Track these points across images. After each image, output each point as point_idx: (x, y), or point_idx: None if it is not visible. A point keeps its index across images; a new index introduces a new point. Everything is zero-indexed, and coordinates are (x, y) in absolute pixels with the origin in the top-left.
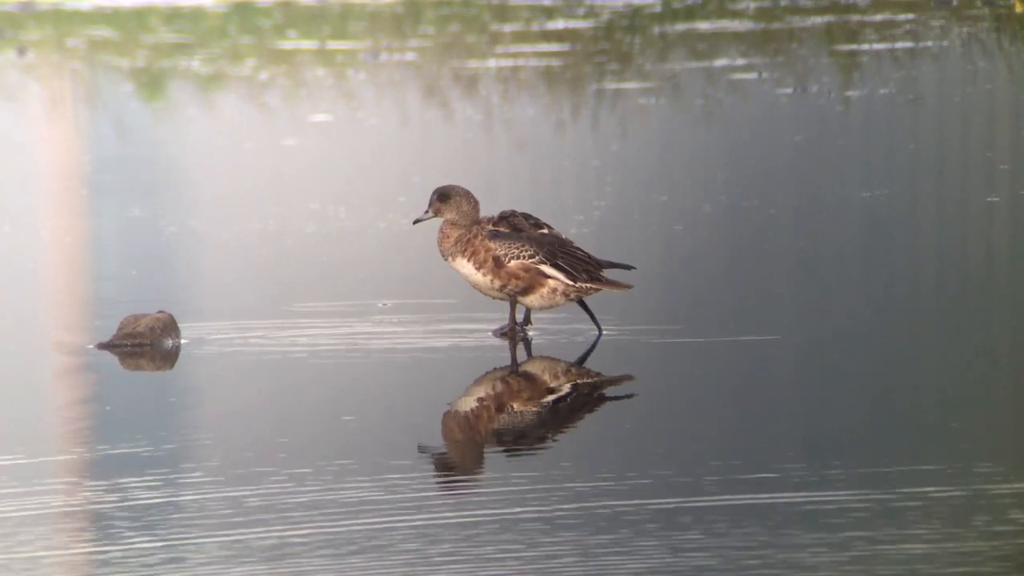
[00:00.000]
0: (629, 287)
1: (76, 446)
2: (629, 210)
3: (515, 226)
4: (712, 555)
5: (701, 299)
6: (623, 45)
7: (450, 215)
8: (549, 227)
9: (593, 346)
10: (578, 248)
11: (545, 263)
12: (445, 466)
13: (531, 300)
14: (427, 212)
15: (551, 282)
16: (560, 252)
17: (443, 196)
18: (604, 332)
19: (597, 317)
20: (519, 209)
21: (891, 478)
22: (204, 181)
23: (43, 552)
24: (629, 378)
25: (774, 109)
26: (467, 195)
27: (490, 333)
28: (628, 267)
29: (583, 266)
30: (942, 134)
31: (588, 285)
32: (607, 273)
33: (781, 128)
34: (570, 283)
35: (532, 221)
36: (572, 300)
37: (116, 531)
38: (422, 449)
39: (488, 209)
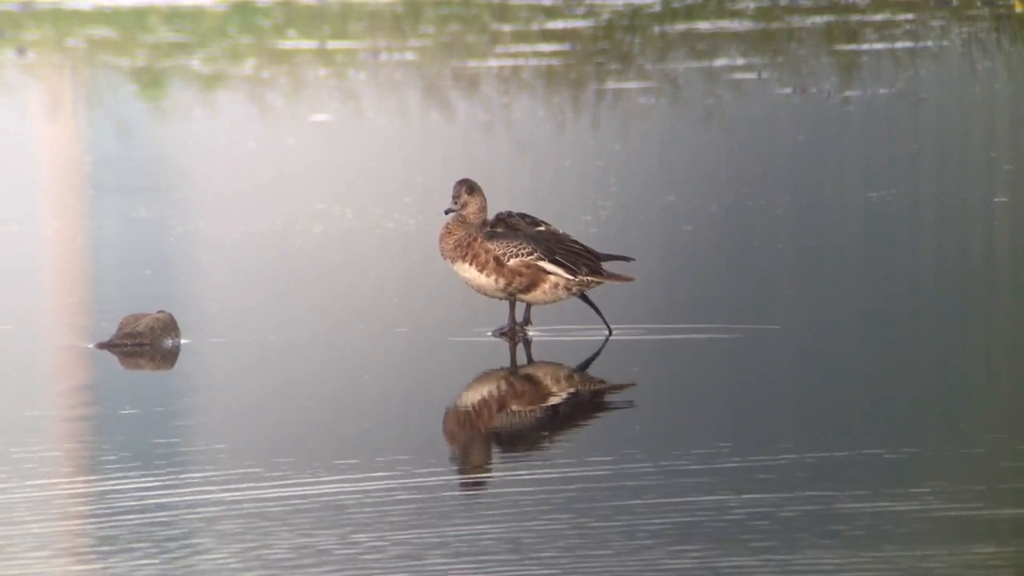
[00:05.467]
0: (630, 279)
1: (75, 445)
2: (637, 210)
3: (512, 226)
4: (719, 554)
5: (710, 298)
6: (623, 45)
7: (472, 207)
8: (546, 223)
9: (602, 348)
10: (575, 242)
11: (544, 259)
12: (451, 465)
13: (535, 296)
14: (456, 203)
15: (552, 278)
16: (558, 247)
17: (471, 188)
18: (613, 331)
19: (605, 316)
20: (517, 209)
21: (893, 476)
22: (206, 181)
23: (42, 552)
24: (632, 385)
25: (774, 109)
26: (483, 191)
27: (490, 333)
28: (628, 259)
29: (582, 260)
30: (944, 134)
31: (589, 278)
32: (607, 266)
33: (782, 128)
34: (571, 278)
35: (528, 220)
36: (575, 294)
37: (115, 531)
38: (452, 459)
39: (491, 209)
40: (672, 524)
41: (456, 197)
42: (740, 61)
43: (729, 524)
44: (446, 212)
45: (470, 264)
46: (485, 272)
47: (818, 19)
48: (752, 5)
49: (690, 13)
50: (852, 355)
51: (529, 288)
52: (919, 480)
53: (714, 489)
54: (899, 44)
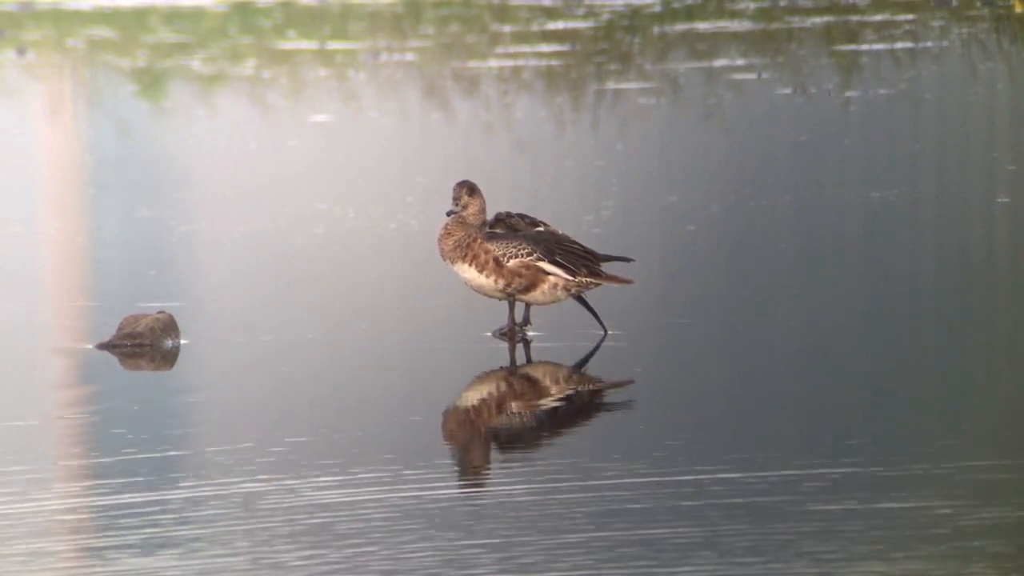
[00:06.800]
0: (630, 281)
1: (75, 445)
2: (638, 210)
3: (511, 226)
4: (719, 555)
5: (710, 298)
6: (623, 45)
7: (472, 208)
8: (545, 224)
9: (598, 346)
10: (575, 243)
11: (544, 260)
12: (451, 465)
13: (534, 297)
14: (457, 205)
15: (551, 278)
16: (558, 248)
17: (472, 189)
18: (609, 332)
19: (600, 317)
20: (517, 209)
21: (893, 477)
22: (207, 182)
23: (42, 553)
24: (630, 382)
25: (774, 109)
26: (482, 193)
27: (490, 333)
28: (627, 259)
29: (582, 261)
30: (944, 135)
31: (588, 279)
32: (607, 267)
33: (783, 128)
34: (570, 279)
35: (528, 220)
36: (574, 295)
37: (116, 531)
38: (440, 451)
39: (491, 210)
40: (679, 535)
41: (457, 199)
42: (740, 61)
43: (739, 534)
44: (448, 214)
45: (470, 265)
46: (485, 273)
47: (818, 19)
48: (752, 5)
49: (690, 13)
50: (852, 355)
51: (528, 289)
52: (920, 482)
53: (719, 495)
54: (899, 45)
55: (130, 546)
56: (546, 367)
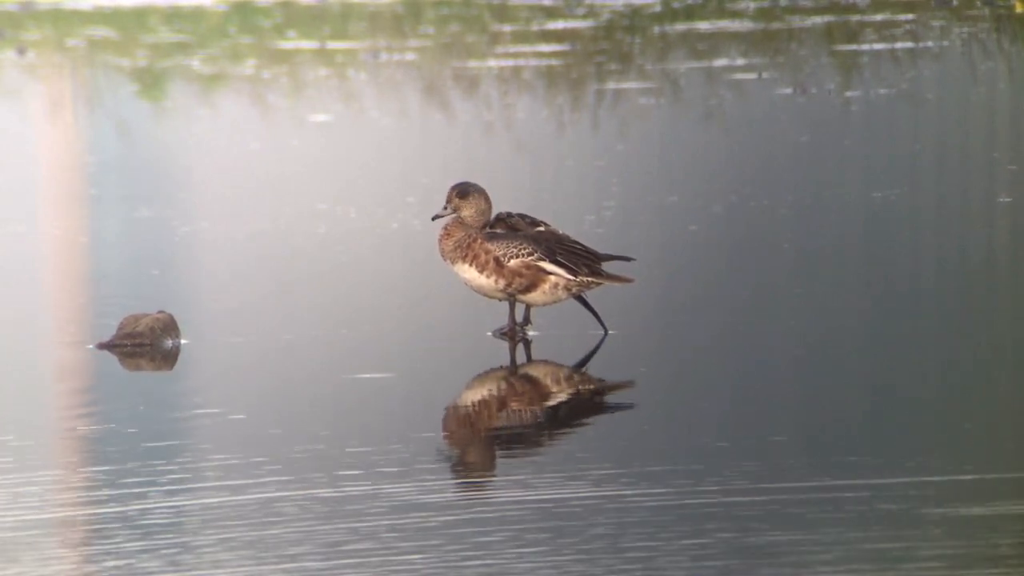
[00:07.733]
0: (630, 280)
1: (75, 446)
2: (639, 210)
3: (512, 226)
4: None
5: (710, 298)
6: (623, 45)
7: (467, 212)
8: (545, 224)
9: (599, 345)
10: (576, 242)
11: (544, 259)
12: (451, 465)
13: (534, 297)
14: (446, 208)
15: (552, 278)
16: (559, 248)
17: (463, 192)
18: (609, 332)
19: (601, 317)
20: (517, 209)
21: (895, 478)
22: (208, 182)
23: (42, 555)
24: (631, 382)
25: (774, 109)
26: (484, 194)
27: (490, 333)
28: (628, 259)
29: (583, 260)
30: (945, 134)
31: (589, 279)
32: (608, 266)
33: (783, 128)
34: (571, 278)
35: (528, 220)
36: (575, 295)
37: (116, 531)
38: (441, 452)
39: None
40: (677, 536)
41: (448, 202)
42: (740, 61)
43: (747, 545)
44: (432, 218)
45: (470, 265)
46: (485, 273)
47: (818, 19)
48: (752, 5)
49: (690, 13)
50: (852, 355)
51: (529, 289)
52: (922, 482)
53: (708, 493)
54: (899, 44)
55: (129, 549)
56: (546, 367)
